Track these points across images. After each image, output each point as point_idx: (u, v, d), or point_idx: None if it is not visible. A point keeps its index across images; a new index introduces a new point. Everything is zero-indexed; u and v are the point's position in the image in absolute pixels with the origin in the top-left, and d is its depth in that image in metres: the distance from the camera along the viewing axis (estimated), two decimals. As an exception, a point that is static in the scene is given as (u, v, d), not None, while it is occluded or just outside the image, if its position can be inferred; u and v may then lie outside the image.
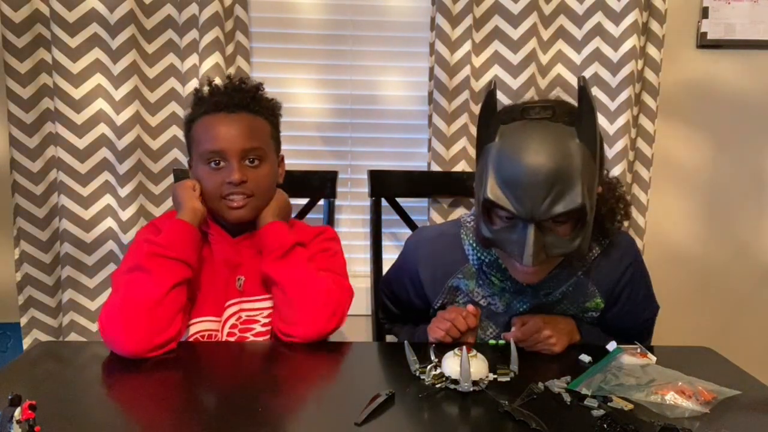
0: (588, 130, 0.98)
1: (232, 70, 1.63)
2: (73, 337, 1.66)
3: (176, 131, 1.65)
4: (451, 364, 0.94)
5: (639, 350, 1.08)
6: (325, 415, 0.88)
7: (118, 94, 1.58)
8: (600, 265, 1.17)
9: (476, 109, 1.67)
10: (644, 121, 1.71)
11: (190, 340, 1.18)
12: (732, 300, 1.89)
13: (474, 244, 1.17)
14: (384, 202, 1.63)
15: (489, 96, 1.00)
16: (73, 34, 1.56)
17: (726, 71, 1.79)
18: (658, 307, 1.26)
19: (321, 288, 1.15)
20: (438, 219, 1.70)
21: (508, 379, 0.98)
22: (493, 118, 1.02)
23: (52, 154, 1.63)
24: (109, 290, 1.66)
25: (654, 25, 1.65)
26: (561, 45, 1.70)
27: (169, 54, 1.64)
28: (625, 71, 1.64)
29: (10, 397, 0.70)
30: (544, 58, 1.70)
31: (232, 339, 1.19)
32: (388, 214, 1.65)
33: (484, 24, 1.67)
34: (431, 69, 1.67)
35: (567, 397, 0.91)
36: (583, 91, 0.96)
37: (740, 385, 0.96)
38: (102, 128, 1.59)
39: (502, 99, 1.60)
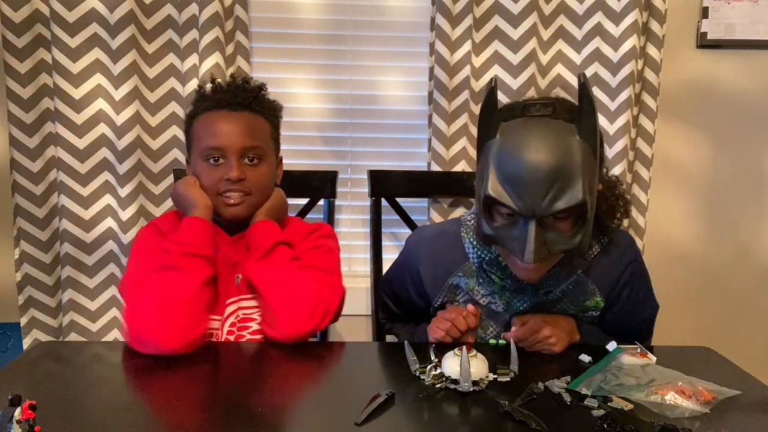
0: (588, 127, 0.98)
1: (232, 70, 1.63)
2: (73, 337, 1.66)
3: (176, 131, 1.65)
4: (451, 364, 0.94)
5: (639, 350, 1.08)
6: (325, 415, 0.88)
7: (118, 94, 1.58)
8: (600, 263, 1.17)
9: (476, 109, 1.67)
10: (644, 121, 1.71)
11: None
12: (732, 300, 1.90)
13: (474, 243, 1.17)
14: (384, 202, 1.63)
15: (490, 93, 1.01)
16: (73, 34, 1.56)
17: (726, 71, 1.79)
18: (657, 306, 1.26)
19: (299, 287, 1.14)
20: (438, 219, 1.70)
21: (508, 379, 0.98)
22: (493, 116, 1.02)
23: (52, 154, 1.63)
24: (110, 290, 1.67)
25: (654, 25, 1.65)
26: (561, 45, 1.70)
27: (169, 54, 1.64)
28: (625, 71, 1.64)
29: (10, 397, 0.70)
30: (544, 58, 1.70)
31: (231, 337, 1.19)
32: (388, 214, 1.65)
33: (484, 24, 1.67)
34: (431, 69, 1.67)
35: (567, 397, 0.91)
36: (584, 88, 0.96)
37: (740, 385, 0.96)
38: (102, 128, 1.59)
39: (502, 99, 1.59)
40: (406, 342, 1.03)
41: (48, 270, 1.66)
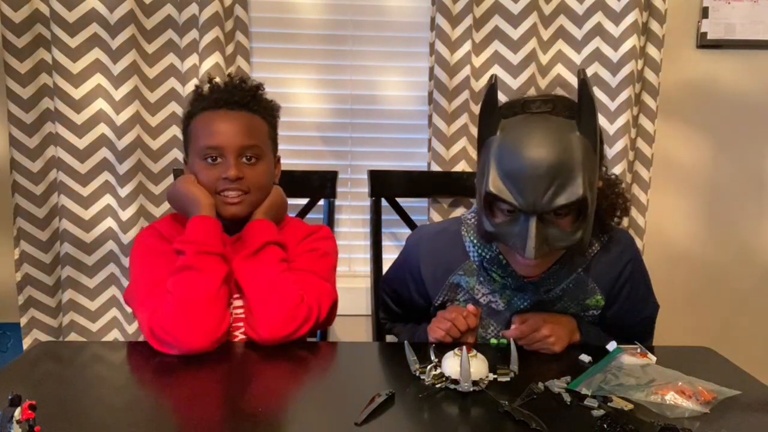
0: (588, 123, 0.98)
1: (232, 70, 1.63)
2: (73, 337, 1.66)
3: (176, 131, 1.65)
4: (451, 364, 0.94)
5: (639, 350, 1.08)
6: (325, 416, 0.88)
7: (118, 94, 1.58)
8: (600, 261, 1.17)
9: (476, 109, 1.67)
10: (644, 121, 1.71)
11: None
12: (732, 300, 1.89)
13: (475, 241, 1.17)
14: (384, 202, 1.63)
15: (490, 90, 1.01)
16: (73, 34, 1.56)
17: (726, 71, 1.79)
18: (657, 305, 1.26)
19: (282, 290, 1.14)
20: (438, 219, 1.70)
21: (508, 379, 0.98)
22: (494, 113, 1.02)
23: (52, 154, 1.63)
24: (110, 290, 1.67)
25: (654, 25, 1.65)
26: (561, 45, 1.70)
27: (169, 54, 1.64)
28: (625, 71, 1.64)
29: (10, 397, 0.70)
30: (544, 58, 1.70)
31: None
32: (388, 214, 1.65)
33: (484, 24, 1.67)
34: (431, 69, 1.67)
35: (567, 397, 0.91)
36: (583, 84, 0.97)
37: (740, 385, 0.96)
38: (102, 128, 1.59)
39: (502, 99, 1.59)
40: (406, 342, 1.03)
41: (48, 270, 1.66)
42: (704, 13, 1.75)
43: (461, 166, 1.70)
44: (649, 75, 1.68)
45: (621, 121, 1.66)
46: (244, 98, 1.21)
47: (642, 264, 1.23)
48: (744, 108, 1.81)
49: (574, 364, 1.06)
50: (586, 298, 1.18)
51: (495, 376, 0.97)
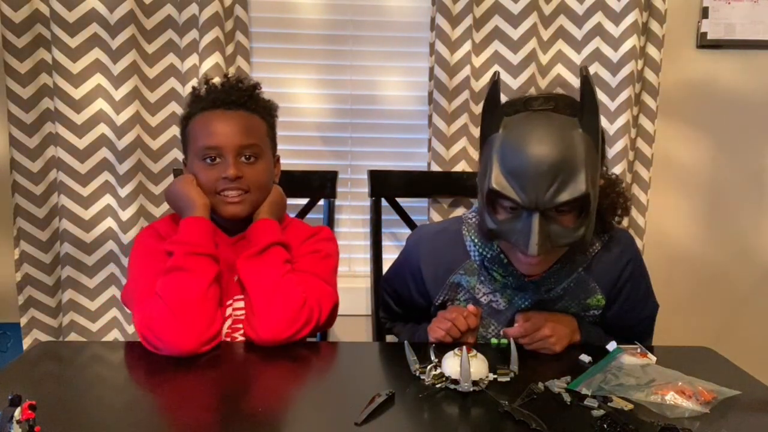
0: (590, 120, 0.98)
1: (232, 70, 1.63)
2: (73, 337, 1.66)
3: (176, 131, 1.64)
4: (451, 364, 0.94)
5: (639, 350, 1.08)
6: (325, 416, 0.88)
7: (118, 94, 1.58)
8: (601, 261, 1.17)
9: (476, 109, 1.67)
10: (644, 121, 1.71)
11: None
12: (732, 300, 1.90)
13: (476, 240, 1.17)
14: (384, 202, 1.63)
15: (493, 87, 1.01)
16: (73, 34, 1.56)
17: (726, 71, 1.79)
18: (657, 305, 1.26)
19: (285, 292, 1.13)
20: (438, 219, 1.70)
21: (508, 379, 0.98)
22: (496, 110, 1.02)
23: (52, 154, 1.63)
24: (110, 290, 1.67)
25: (654, 25, 1.66)
26: (561, 45, 1.70)
27: (169, 54, 1.64)
28: (625, 71, 1.64)
29: (10, 397, 0.70)
30: (544, 58, 1.70)
31: (227, 339, 1.19)
32: (388, 214, 1.65)
33: (484, 24, 1.67)
34: (431, 69, 1.67)
35: (567, 397, 0.91)
36: (586, 81, 0.97)
37: (740, 385, 0.96)
38: (102, 128, 1.60)
39: (503, 99, 1.60)
40: (406, 342, 1.03)
41: (48, 270, 1.66)
42: (704, 13, 1.75)
43: (461, 166, 1.70)
44: (649, 75, 1.68)
45: (621, 121, 1.66)
46: (242, 98, 1.21)
47: (642, 264, 1.23)
48: (744, 108, 1.81)
49: (574, 364, 1.06)
50: (587, 298, 1.18)
51: (495, 376, 0.97)
